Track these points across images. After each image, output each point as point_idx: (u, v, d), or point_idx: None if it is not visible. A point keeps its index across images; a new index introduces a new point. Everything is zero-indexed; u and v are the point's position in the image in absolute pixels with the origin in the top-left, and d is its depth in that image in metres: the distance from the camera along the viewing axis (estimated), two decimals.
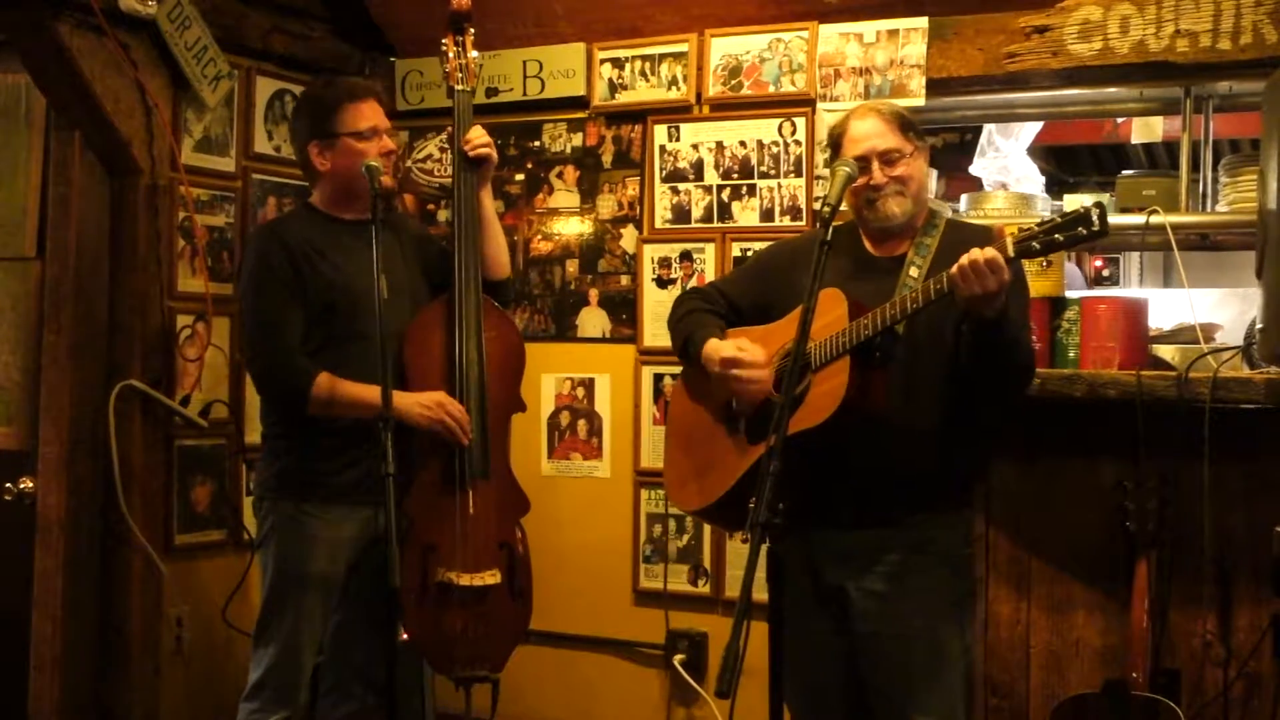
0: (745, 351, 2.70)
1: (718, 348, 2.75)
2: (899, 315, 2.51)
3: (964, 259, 2.39)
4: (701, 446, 2.86)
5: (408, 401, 3.03)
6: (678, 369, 3.89)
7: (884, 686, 2.67)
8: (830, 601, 2.72)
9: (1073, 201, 3.96)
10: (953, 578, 2.70)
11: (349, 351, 3.04)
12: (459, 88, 3.30)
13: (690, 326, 2.88)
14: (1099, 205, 2.33)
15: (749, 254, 3.82)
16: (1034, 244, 2.36)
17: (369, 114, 3.10)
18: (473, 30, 3.34)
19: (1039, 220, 2.39)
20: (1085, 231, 2.31)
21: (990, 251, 2.38)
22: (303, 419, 3.03)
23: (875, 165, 2.70)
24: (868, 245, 2.81)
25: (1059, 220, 2.35)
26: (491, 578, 3.15)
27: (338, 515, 3.06)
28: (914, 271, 2.65)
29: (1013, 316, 2.52)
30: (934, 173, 4.59)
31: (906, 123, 2.75)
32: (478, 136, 3.25)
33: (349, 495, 3.05)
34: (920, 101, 3.59)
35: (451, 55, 3.32)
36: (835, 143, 2.81)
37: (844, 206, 2.76)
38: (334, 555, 3.07)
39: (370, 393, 2.94)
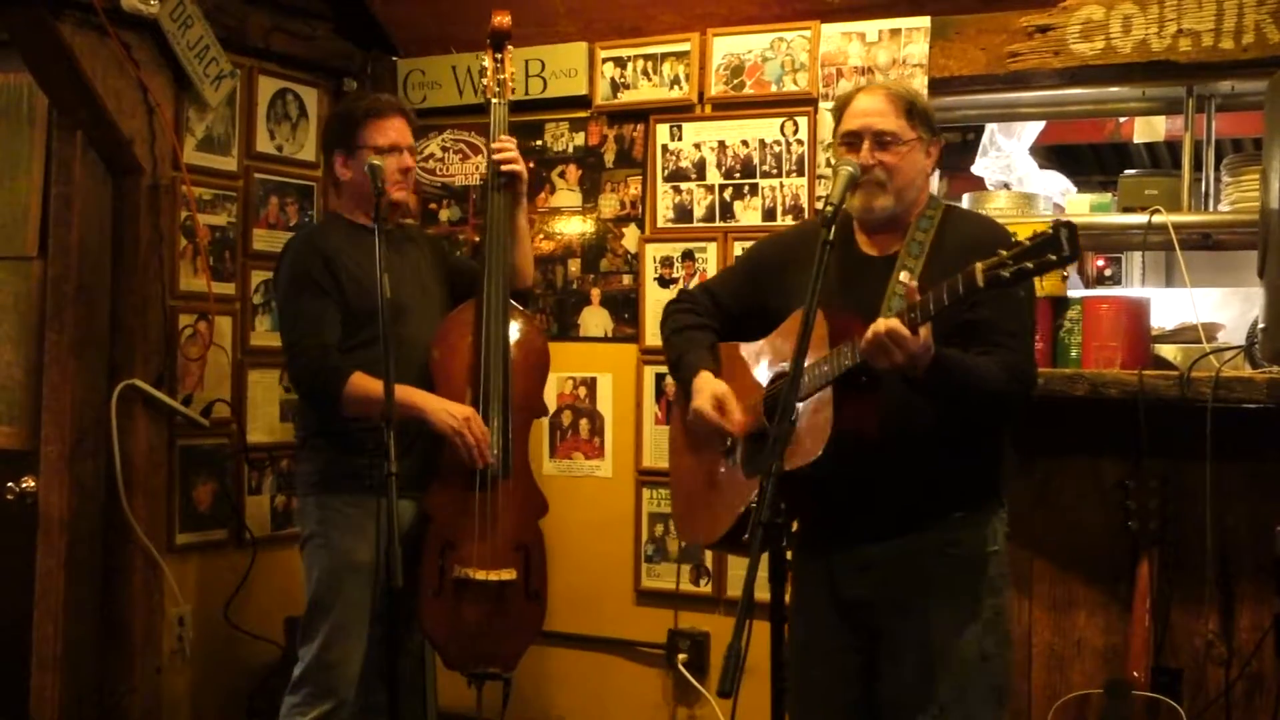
0: (720, 412, 2.61)
1: (699, 392, 2.65)
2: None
3: (868, 331, 2.26)
4: (701, 476, 2.76)
5: (435, 404, 3.12)
6: None
7: (904, 696, 2.56)
8: (850, 617, 2.61)
9: (1076, 204, 3.98)
10: (975, 580, 2.57)
11: (377, 354, 3.05)
12: (495, 101, 3.39)
13: (680, 348, 2.77)
14: (1068, 225, 2.10)
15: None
16: (1003, 273, 2.15)
17: (391, 131, 3.20)
18: (511, 48, 3.44)
19: (1011, 244, 2.18)
20: (1055, 258, 2.12)
21: (891, 322, 2.23)
22: (340, 418, 3.09)
23: (866, 144, 2.53)
24: (861, 242, 2.64)
25: (1027, 245, 2.15)
26: (507, 574, 3.20)
27: (376, 508, 3.08)
28: (904, 276, 2.46)
29: (975, 345, 2.41)
30: (935, 172, 4.59)
31: (916, 110, 2.57)
32: (503, 148, 3.33)
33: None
34: None
35: (490, 70, 3.42)
36: (839, 112, 2.64)
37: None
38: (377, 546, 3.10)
39: (401, 393, 2.98)
